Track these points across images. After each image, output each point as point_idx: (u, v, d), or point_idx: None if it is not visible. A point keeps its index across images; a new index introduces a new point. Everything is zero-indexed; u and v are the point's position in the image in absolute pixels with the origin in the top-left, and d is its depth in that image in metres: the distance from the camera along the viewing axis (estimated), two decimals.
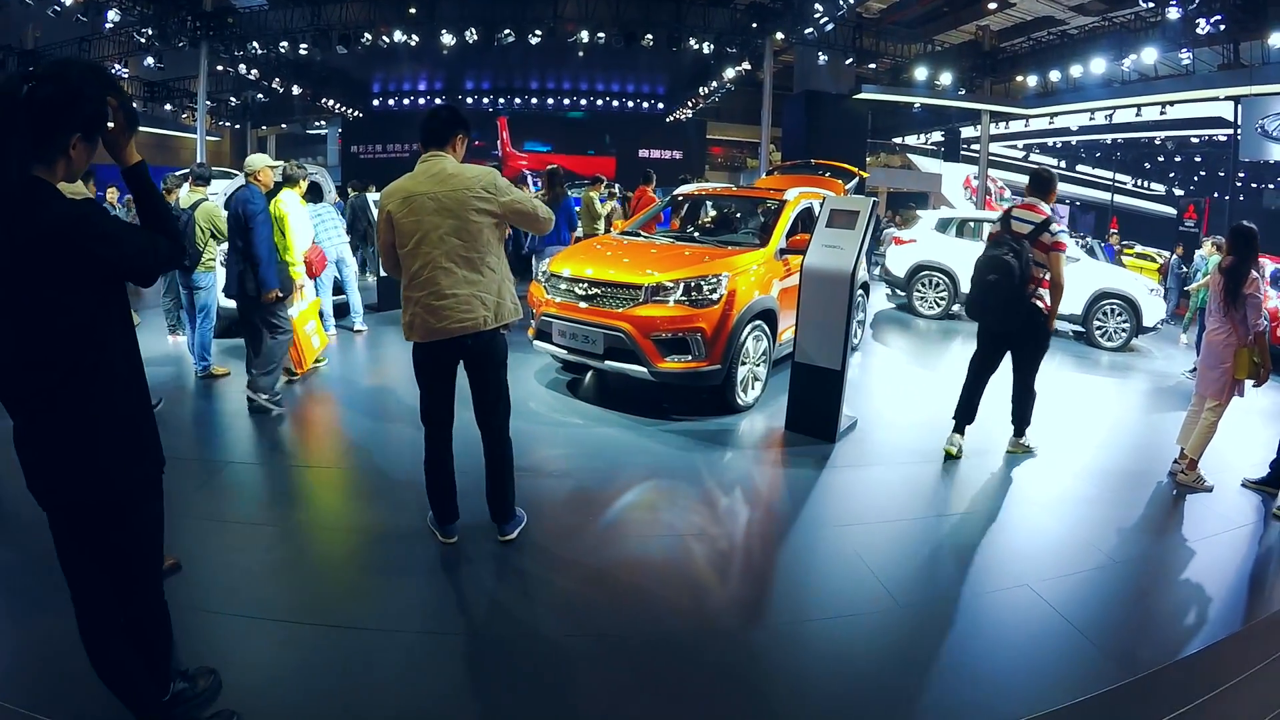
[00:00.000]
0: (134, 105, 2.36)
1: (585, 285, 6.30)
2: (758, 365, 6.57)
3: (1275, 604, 4.15)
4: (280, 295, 6.27)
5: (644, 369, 6.02)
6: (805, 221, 7.47)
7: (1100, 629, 3.67)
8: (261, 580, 3.82)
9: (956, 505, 5.09)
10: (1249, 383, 5.59)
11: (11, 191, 2.02)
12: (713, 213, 9.16)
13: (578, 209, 11.63)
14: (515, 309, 3.93)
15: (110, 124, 2.27)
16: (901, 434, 6.46)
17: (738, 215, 8.62)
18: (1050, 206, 5.69)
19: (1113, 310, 11.41)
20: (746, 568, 4.20)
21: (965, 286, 12.12)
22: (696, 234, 8.05)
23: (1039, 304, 5.53)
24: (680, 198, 8.81)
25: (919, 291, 12.91)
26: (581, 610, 3.65)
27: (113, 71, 22.48)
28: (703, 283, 6.01)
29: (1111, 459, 6.41)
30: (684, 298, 5.97)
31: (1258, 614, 4.02)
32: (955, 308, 12.71)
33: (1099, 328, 11.48)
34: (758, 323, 6.39)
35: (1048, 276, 5.50)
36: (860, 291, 8.97)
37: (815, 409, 5.89)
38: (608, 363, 6.17)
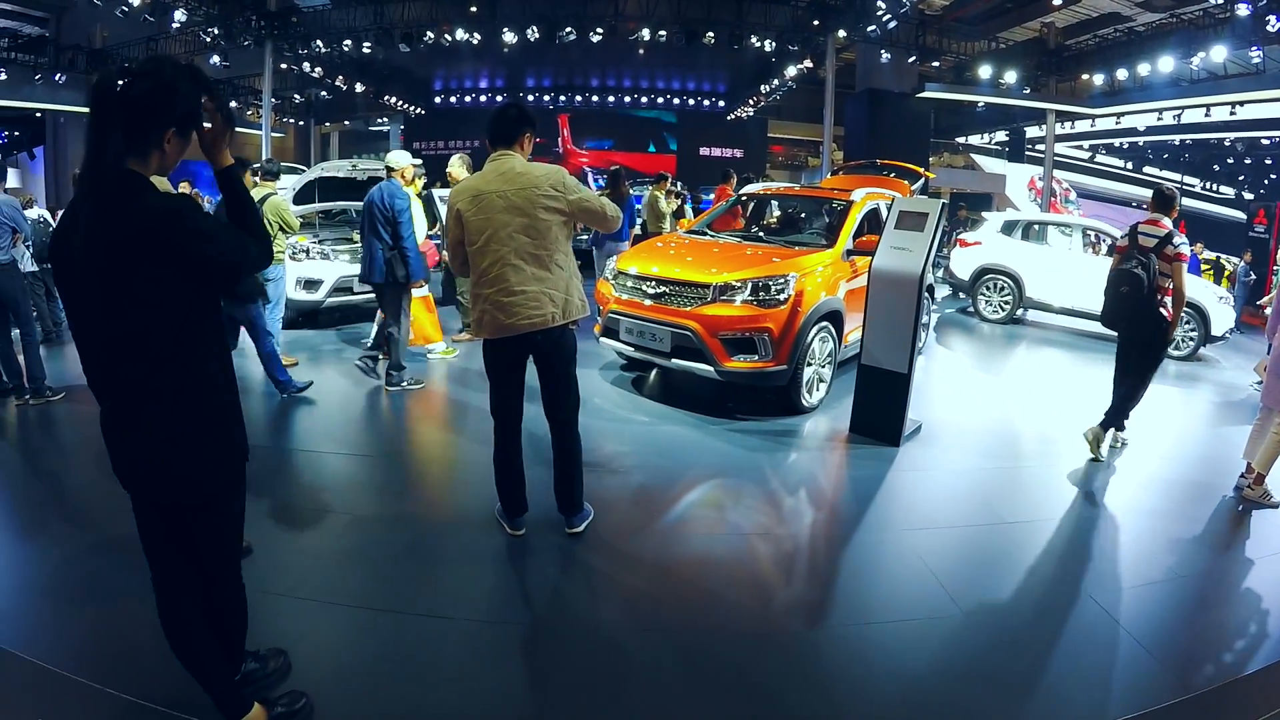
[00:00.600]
0: (231, 106, 2.42)
1: (653, 283, 6.37)
2: (823, 366, 6.59)
3: None
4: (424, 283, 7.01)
5: (711, 368, 6.07)
6: (872, 222, 7.45)
7: (1162, 644, 3.62)
8: (331, 566, 3.97)
9: (1020, 512, 5.04)
10: None
11: (107, 184, 2.09)
12: (778, 212, 9.16)
13: (638, 206, 11.70)
14: (583, 305, 4.01)
15: (207, 124, 2.34)
16: (966, 439, 6.41)
17: (803, 215, 8.59)
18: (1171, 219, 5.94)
19: (1181, 319, 11.07)
20: (810, 569, 4.22)
21: (1030, 290, 12.19)
22: (762, 234, 8.05)
23: (1164, 312, 5.79)
24: (745, 197, 8.82)
25: (984, 295, 12.73)
26: (645, 606, 3.71)
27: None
28: (770, 283, 6.05)
29: (1177, 470, 6.28)
30: (751, 298, 6.02)
31: None
32: (1020, 312, 12.53)
33: None
34: (824, 324, 6.40)
35: (1172, 286, 5.78)
36: (925, 294, 8.92)
37: (880, 412, 5.88)
38: (674, 361, 6.24)
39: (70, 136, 24.30)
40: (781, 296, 6.02)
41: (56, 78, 22.40)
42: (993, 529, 4.72)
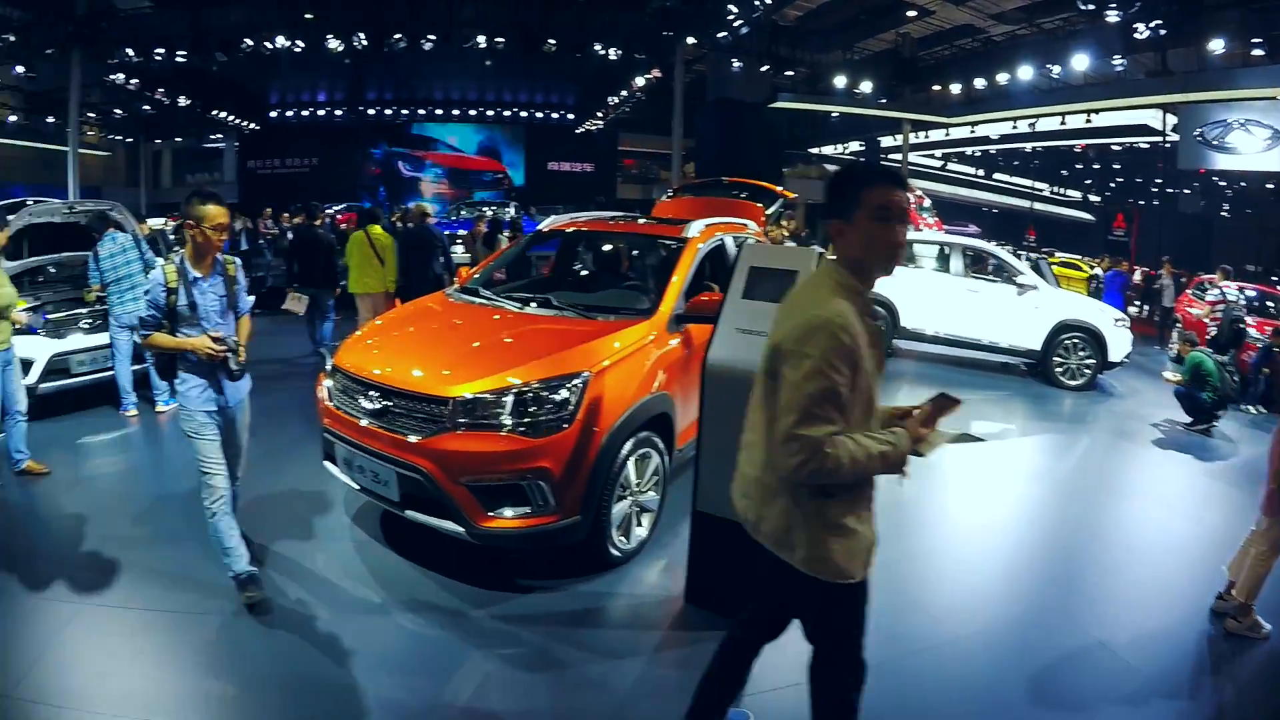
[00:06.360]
0: None
1: (371, 392, 4.14)
2: (645, 492, 4.49)
3: None
4: None
5: (461, 529, 3.88)
6: (716, 265, 5.56)
7: None
8: None
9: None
10: None
11: None
12: (591, 254, 7.01)
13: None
14: None
15: None
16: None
17: (631, 255, 6.54)
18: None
19: (1075, 345, 10.05)
20: None
21: (906, 319, 10.62)
22: (553, 297, 5.24)
23: None
24: (548, 234, 6.37)
25: None
26: None
27: None
28: (544, 392, 3.89)
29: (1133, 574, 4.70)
30: (516, 419, 3.85)
31: None
32: (895, 343, 11.00)
33: (1060, 364, 10.13)
34: (644, 435, 4.31)
35: None
36: None
37: (728, 576, 3.75)
38: (409, 513, 4.04)
39: None
40: (564, 412, 3.87)
41: None
42: None
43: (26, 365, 6.55)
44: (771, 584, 2.53)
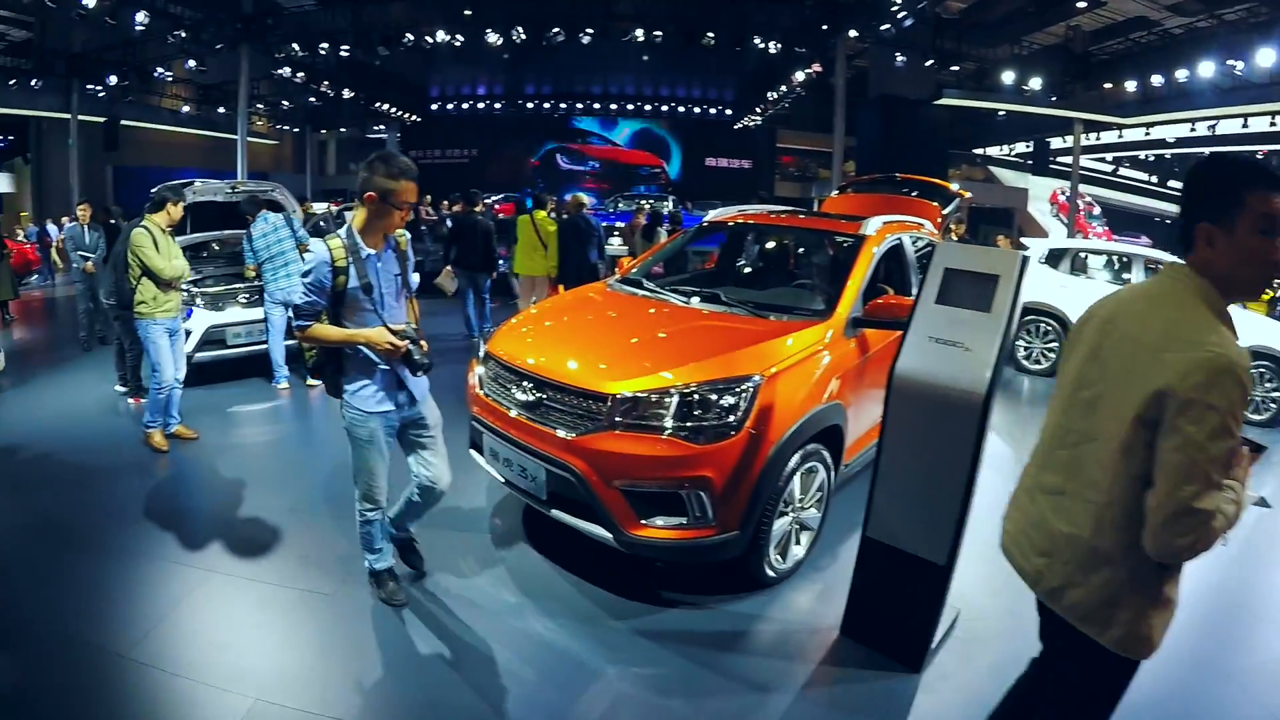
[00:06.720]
0: None
1: (524, 382, 3.93)
2: (808, 509, 4.12)
3: None
4: None
5: (609, 535, 3.62)
6: (891, 264, 5.15)
7: None
8: None
9: None
10: None
11: None
12: (757, 250, 6.53)
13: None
14: None
15: None
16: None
17: (790, 256, 6.17)
18: None
19: (1261, 375, 8.81)
20: None
21: None
22: (721, 293, 4.87)
23: None
24: (713, 227, 6.03)
25: (1024, 340, 10.24)
26: None
27: (157, 74, 21.13)
28: (711, 395, 3.57)
29: None
30: (679, 422, 3.54)
31: None
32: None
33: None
34: (812, 447, 3.93)
35: None
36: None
37: (894, 613, 3.44)
38: (554, 512, 3.82)
39: (50, 143, 23.47)
40: (732, 419, 3.54)
41: (33, 83, 21.43)
42: None
43: (185, 334, 6.87)
44: (1050, 650, 2.29)
